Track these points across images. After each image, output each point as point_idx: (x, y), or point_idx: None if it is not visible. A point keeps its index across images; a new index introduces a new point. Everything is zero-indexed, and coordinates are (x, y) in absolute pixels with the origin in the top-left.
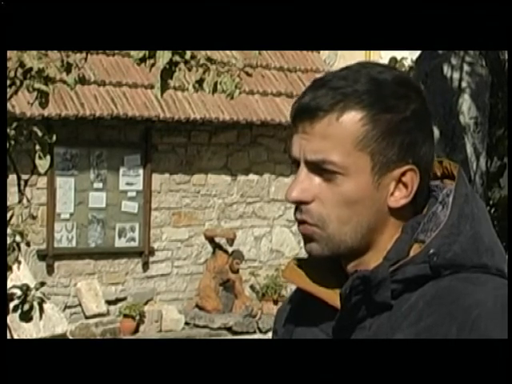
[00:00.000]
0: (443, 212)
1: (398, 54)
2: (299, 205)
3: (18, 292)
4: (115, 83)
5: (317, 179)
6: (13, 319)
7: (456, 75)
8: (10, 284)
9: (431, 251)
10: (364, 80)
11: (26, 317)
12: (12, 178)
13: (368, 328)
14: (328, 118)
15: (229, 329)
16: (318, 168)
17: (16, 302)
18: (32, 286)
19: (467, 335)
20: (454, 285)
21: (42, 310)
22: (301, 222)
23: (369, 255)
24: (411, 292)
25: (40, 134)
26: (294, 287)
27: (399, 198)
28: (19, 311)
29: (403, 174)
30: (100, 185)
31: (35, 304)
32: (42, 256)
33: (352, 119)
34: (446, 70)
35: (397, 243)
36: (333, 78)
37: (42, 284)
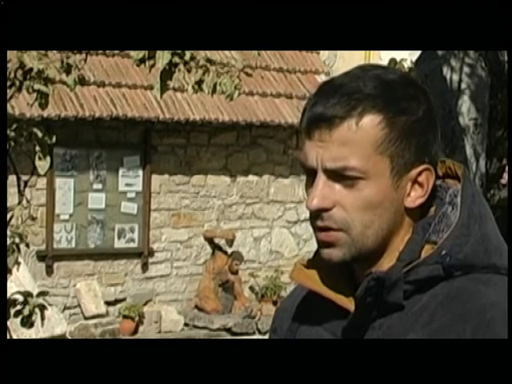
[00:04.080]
0: (453, 213)
1: (398, 55)
2: (320, 212)
3: (20, 298)
4: (115, 84)
5: (337, 186)
6: (12, 320)
7: (455, 77)
8: (9, 285)
9: (443, 252)
10: (373, 83)
11: (27, 322)
12: (11, 179)
13: (378, 328)
14: (347, 124)
15: (228, 330)
16: (337, 175)
17: (18, 307)
18: (31, 287)
19: (482, 336)
20: (466, 286)
21: (43, 318)
22: (323, 229)
23: (383, 256)
24: (422, 293)
25: (40, 135)
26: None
27: (415, 197)
28: (20, 317)
29: (419, 173)
30: (99, 186)
31: (36, 310)
32: (41, 257)
33: (371, 123)
34: (446, 71)
35: (409, 244)
36: (342, 83)
37: (44, 294)
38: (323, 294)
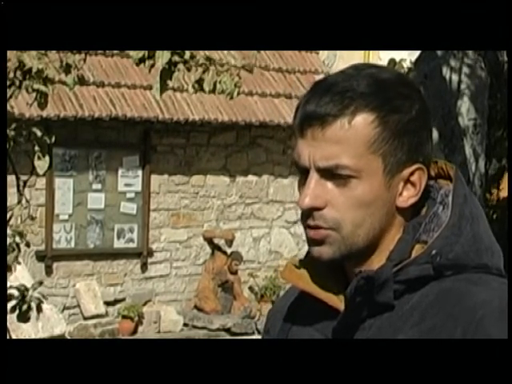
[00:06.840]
0: (444, 212)
1: (397, 55)
2: (312, 211)
3: (16, 293)
4: (114, 84)
5: (329, 185)
6: (11, 320)
7: (455, 77)
8: (8, 285)
9: (434, 252)
10: (367, 81)
11: (24, 317)
12: (11, 179)
13: (368, 328)
14: (339, 123)
15: (227, 330)
16: (329, 174)
17: (14, 302)
18: (30, 286)
19: (472, 336)
20: (456, 285)
21: (39, 311)
22: (313, 227)
23: (373, 255)
24: (412, 293)
25: (39, 134)
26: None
27: (407, 197)
28: (17, 312)
29: (412, 173)
30: (99, 186)
31: (33, 304)
32: (40, 257)
33: (364, 122)
34: (445, 71)
35: (399, 244)
36: (335, 81)
37: (40, 283)
38: (314, 294)
